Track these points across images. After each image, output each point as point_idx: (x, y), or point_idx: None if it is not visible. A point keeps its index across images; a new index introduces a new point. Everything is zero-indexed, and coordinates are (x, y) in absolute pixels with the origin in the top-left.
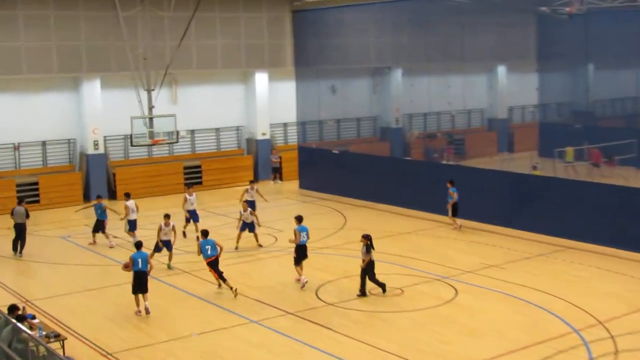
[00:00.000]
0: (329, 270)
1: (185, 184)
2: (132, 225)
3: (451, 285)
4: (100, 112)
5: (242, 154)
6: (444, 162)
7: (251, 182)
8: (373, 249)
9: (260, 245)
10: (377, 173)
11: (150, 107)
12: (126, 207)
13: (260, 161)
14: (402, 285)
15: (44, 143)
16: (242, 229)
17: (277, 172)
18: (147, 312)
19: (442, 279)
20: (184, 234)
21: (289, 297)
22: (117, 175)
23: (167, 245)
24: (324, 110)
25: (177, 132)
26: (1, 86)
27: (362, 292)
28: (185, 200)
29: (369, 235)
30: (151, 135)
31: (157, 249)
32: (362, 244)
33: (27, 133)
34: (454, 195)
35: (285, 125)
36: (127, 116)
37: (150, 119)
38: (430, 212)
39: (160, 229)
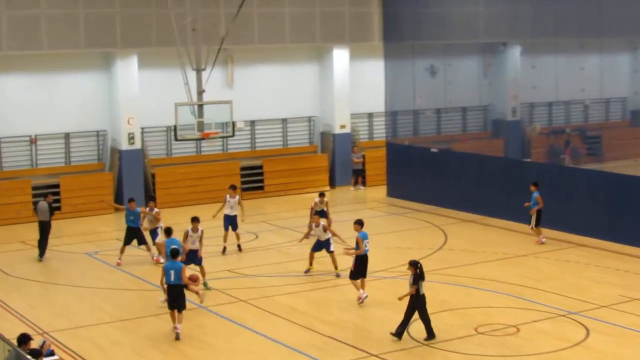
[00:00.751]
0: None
1: (231, 187)
2: (154, 236)
3: (581, 323)
4: (136, 97)
5: (314, 152)
6: (574, 165)
7: (321, 194)
8: (422, 279)
9: (337, 273)
10: (487, 178)
11: (200, 92)
12: (157, 214)
13: (338, 161)
14: (518, 322)
15: (67, 136)
16: (316, 249)
17: (359, 175)
18: (177, 337)
19: (569, 314)
20: (239, 246)
21: (373, 335)
22: (158, 176)
23: (194, 257)
24: (421, 98)
25: (234, 124)
26: (15, 64)
27: (398, 333)
28: (224, 203)
29: (417, 262)
30: (200, 127)
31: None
32: (409, 272)
33: (46, 124)
34: (540, 200)
35: (370, 116)
36: (171, 103)
37: (200, 106)
38: (556, 229)
39: (186, 236)
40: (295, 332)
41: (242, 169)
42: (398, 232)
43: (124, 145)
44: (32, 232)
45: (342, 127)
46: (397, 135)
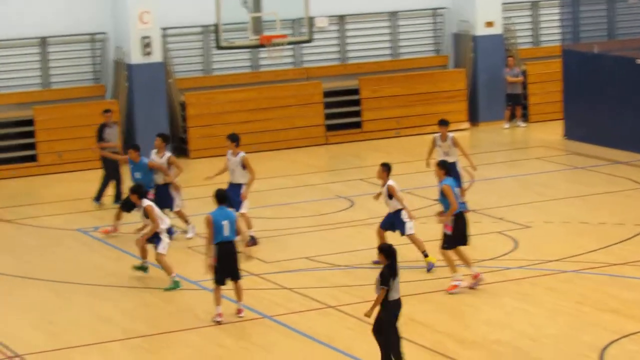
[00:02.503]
0: (627, 310)
1: (229, 137)
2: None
3: None
4: None
5: (443, 67)
6: None
7: (442, 122)
8: (393, 277)
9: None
10: None
11: None
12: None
13: (482, 81)
14: None
15: (43, 42)
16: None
17: (516, 104)
18: (239, 312)
19: None
20: (252, 238)
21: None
22: (190, 107)
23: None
24: None
25: (311, 21)
26: None
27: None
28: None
29: (387, 248)
30: (258, 27)
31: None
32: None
33: (11, 23)
34: None
35: (534, 5)
36: None
37: None
38: None
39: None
40: (418, 358)
41: (327, 94)
42: (583, 198)
43: (135, 57)
44: None
45: (489, 25)
46: (580, 39)
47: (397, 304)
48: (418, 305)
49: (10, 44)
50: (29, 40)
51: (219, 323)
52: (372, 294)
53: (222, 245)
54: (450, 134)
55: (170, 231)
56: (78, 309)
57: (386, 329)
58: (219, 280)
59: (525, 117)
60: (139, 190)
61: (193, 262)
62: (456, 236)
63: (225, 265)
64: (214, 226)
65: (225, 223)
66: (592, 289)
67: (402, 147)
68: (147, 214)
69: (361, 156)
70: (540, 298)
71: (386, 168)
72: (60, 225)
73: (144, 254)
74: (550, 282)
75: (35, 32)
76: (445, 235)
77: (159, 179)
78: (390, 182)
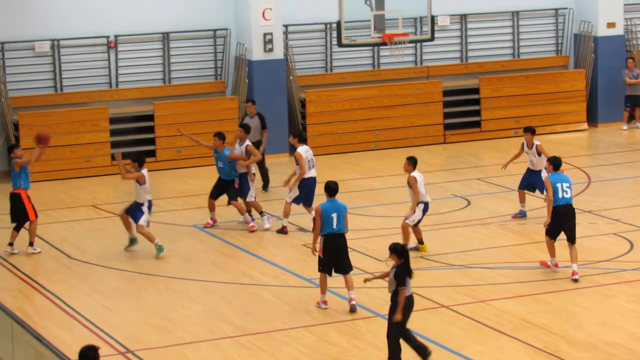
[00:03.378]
0: None
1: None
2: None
3: None
4: None
5: (564, 67)
6: None
7: (526, 129)
8: (409, 276)
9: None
10: None
11: None
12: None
13: (602, 82)
14: None
15: (165, 37)
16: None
17: (635, 105)
18: (352, 309)
19: None
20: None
21: None
22: (310, 104)
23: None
24: None
25: (433, 20)
26: None
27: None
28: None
29: (400, 247)
30: (380, 23)
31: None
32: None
33: (131, 19)
34: None
35: None
36: None
37: None
38: None
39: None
40: None
41: (447, 93)
42: None
43: (257, 54)
44: (108, 189)
45: (611, 25)
46: None
47: (411, 301)
48: (530, 306)
49: (134, 39)
50: (152, 36)
51: (322, 307)
52: (485, 294)
53: (330, 237)
54: (536, 142)
55: (149, 206)
56: (192, 305)
57: (393, 332)
58: (324, 269)
59: None
60: (139, 159)
61: (308, 259)
62: (554, 228)
63: (332, 256)
64: (322, 217)
65: (334, 215)
66: None
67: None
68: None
69: (479, 156)
70: None
71: (412, 161)
72: (177, 221)
73: (128, 227)
74: None
75: (158, 27)
76: (547, 228)
77: (242, 168)
78: (414, 173)
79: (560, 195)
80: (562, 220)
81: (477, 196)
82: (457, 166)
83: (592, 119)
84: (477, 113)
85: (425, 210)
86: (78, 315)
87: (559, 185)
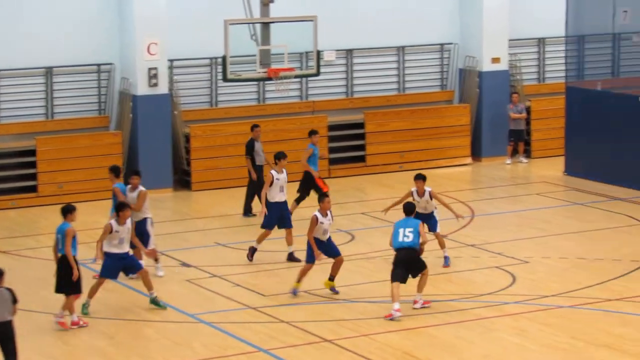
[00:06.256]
0: (621, 346)
1: (278, 156)
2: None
3: None
4: (163, 11)
5: (449, 102)
6: None
7: (418, 177)
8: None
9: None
10: None
11: (266, 3)
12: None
13: (486, 116)
14: None
15: (48, 72)
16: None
17: (519, 140)
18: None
19: None
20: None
21: None
22: (195, 139)
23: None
24: (626, 13)
25: (318, 55)
26: None
27: None
28: (271, 182)
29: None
30: (265, 58)
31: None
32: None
33: (14, 52)
34: None
35: (540, 43)
36: (218, 21)
37: (265, 26)
38: None
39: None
40: None
41: (332, 127)
42: (582, 234)
43: (142, 88)
44: None
45: (495, 61)
46: (584, 76)
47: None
48: (414, 339)
49: (16, 73)
50: (34, 70)
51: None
52: (369, 327)
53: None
54: (428, 189)
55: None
56: (74, 341)
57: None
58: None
59: (527, 153)
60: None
61: (192, 294)
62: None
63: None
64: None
65: (401, 230)
66: (587, 325)
67: (406, 181)
68: None
69: (364, 190)
70: (536, 333)
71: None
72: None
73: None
74: (546, 317)
75: (41, 62)
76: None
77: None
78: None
79: (400, 239)
80: (401, 264)
81: (361, 230)
82: (341, 200)
83: (477, 153)
84: (362, 148)
85: None
86: None
87: (401, 230)
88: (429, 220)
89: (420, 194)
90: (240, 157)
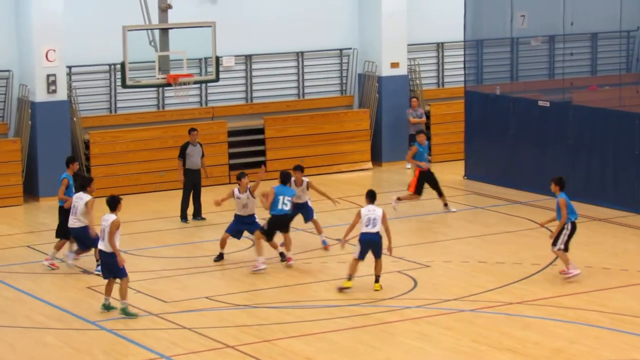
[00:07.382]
0: (523, 349)
1: (239, 175)
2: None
3: None
4: (60, 17)
5: (349, 107)
6: None
7: (297, 168)
8: None
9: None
10: (633, 151)
11: (165, 8)
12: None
13: (386, 121)
14: None
15: None
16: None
17: None
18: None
19: None
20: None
21: None
22: (94, 146)
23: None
24: (523, 17)
25: (217, 60)
26: None
27: None
28: (232, 196)
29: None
30: (164, 64)
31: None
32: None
33: None
34: None
35: (439, 47)
36: (117, 27)
37: (164, 32)
38: None
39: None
40: None
41: (232, 133)
42: (482, 238)
43: (40, 95)
44: None
45: (395, 65)
46: (482, 81)
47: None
48: (315, 345)
49: None
50: None
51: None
52: (271, 333)
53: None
54: (306, 179)
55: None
56: None
57: None
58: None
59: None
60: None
61: (92, 301)
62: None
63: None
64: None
65: (280, 198)
66: (489, 328)
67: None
68: None
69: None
70: (438, 337)
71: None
72: None
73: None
74: (448, 321)
75: None
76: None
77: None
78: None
79: (279, 207)
80: (278, 223)
81: None
82: None
83: (377, 158)
84: (263, 153)
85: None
86: None
87: (281, 197)
88: (304, 209)
89: (299, 183)
90: (141, 163)
